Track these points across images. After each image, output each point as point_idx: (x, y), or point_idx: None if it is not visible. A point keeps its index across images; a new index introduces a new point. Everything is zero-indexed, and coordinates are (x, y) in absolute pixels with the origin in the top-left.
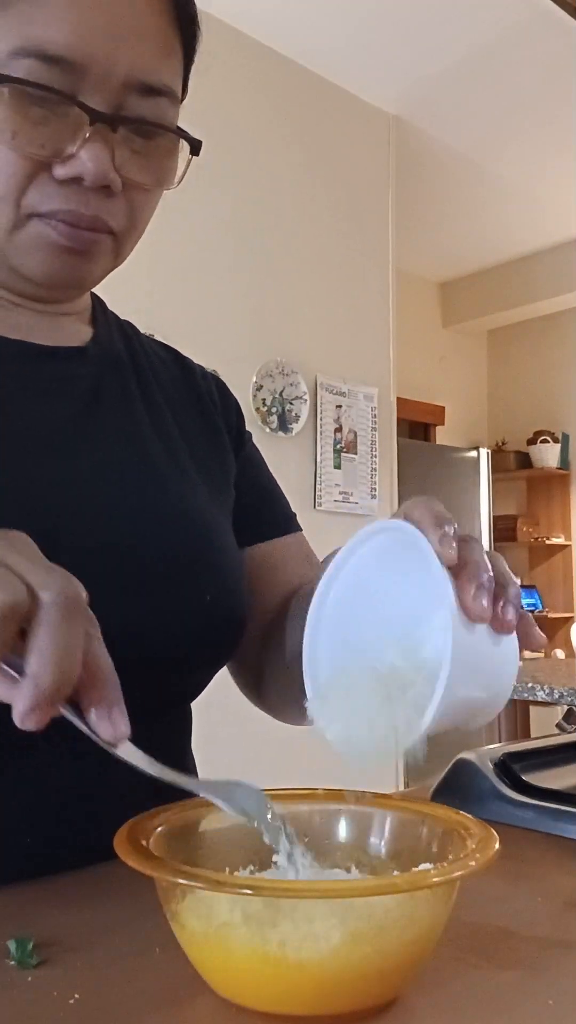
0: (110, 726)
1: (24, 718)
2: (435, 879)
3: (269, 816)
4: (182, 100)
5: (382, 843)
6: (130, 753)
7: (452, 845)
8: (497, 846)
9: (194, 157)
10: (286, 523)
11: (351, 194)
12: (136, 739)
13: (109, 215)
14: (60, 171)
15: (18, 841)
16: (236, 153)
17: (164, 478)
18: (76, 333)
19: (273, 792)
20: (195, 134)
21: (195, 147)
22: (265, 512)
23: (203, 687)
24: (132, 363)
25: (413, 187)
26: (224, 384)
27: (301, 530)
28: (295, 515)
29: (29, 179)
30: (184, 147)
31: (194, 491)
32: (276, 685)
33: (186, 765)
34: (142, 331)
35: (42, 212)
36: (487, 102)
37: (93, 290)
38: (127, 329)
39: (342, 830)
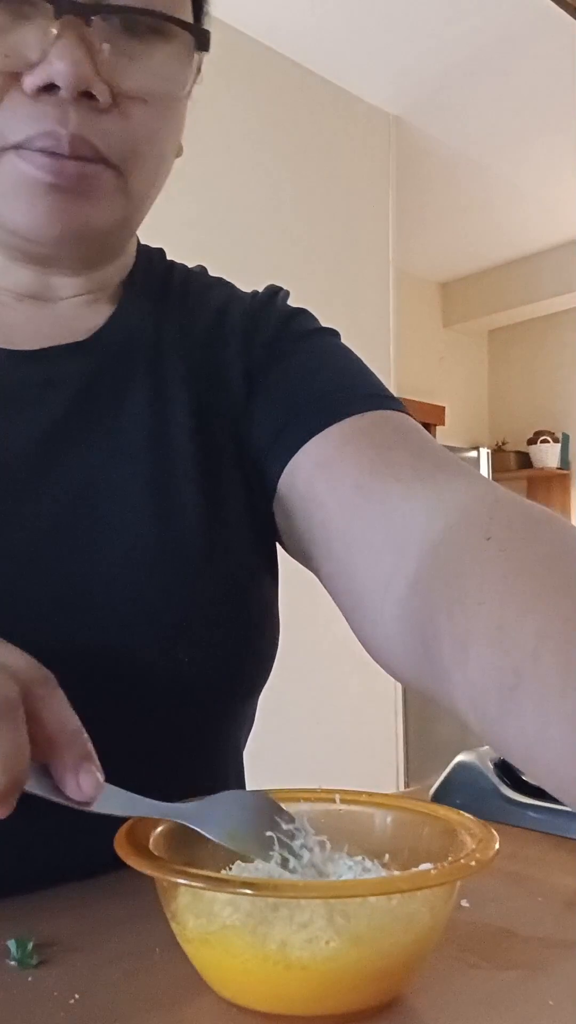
0: (78, 788)
1: None
2: (435, 880)
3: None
4: (198, 18)
5: (382, 843)
6: (107, 804)
7: (452, 845)
8: (497, 846)
9: (204, 54)
10: (366, 400)
11: (351, 194)
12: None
13: (99, 136)
14: (28, 81)
15: (17, 849)
16: (236, 152)
17: (149, 506)
18: (79, 323)
19: (269, 792)
20: (194, 134)
21: (202, 41)
22: (326, 397)
23: (239, 718)
24: (154, 339)
25: (413, 187)
26: (269, 300)
27: (403, 410)
28: (390, 396)
29: None
30: (189, 44)
31: (183, 516)
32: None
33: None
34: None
35: (17, 141)
36: (487, 102)
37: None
38: (169, 283)
39: (342, 830)
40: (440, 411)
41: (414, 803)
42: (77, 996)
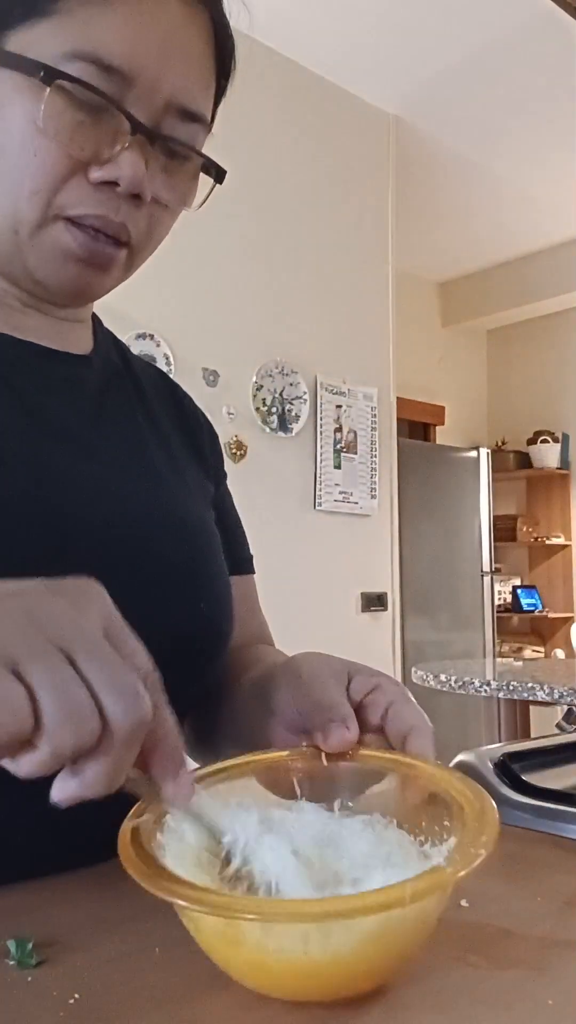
0: (176, 791)
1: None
2: (437, 884)
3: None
4: (209, 131)
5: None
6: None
7: (452, 818)
8: (496, 834)
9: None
10: (241, 563)
11: (351, 194)
12: None
13: (132, 225)
14: (96, 174)
15: (17, 840)
16: (236, 153)
17: (166, 486)
18: (79, 341)
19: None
20: None
21: (220, 175)
22: (228, 547)
23: (183, 695)
24: (129, 376)
25: (413, 187)
26: (209, 421)
27: (254, 573)
28: (252, 558)
29: (65, 178)
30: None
31: (194, 501)
32: (200, 718)
33: None
34: (137, 334)
35: (71, 215)
36: (487, 102)
37: (101, 311)
38: (121, 345)
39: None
40: (439, 411)
41: (434, 767)
42: (77, 996)
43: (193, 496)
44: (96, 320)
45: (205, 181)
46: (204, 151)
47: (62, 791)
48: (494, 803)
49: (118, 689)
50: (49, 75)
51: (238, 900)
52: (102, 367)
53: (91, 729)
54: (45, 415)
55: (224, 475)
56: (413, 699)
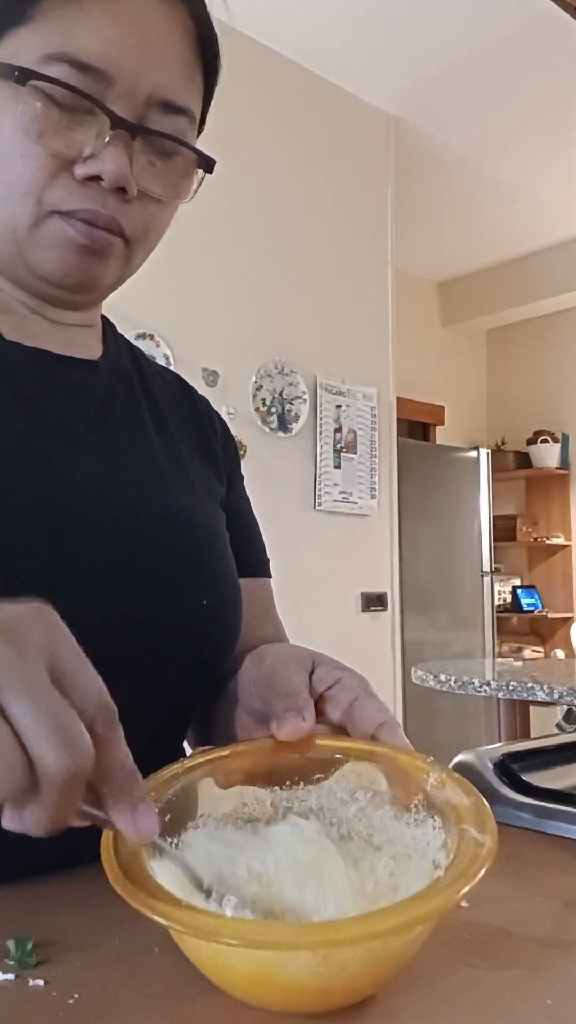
0: (133, 827)
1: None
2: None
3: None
4: (199, 131)
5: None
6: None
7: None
8: (493, 842)
9: (207, 175)
10: (256, 566)
11: (351, 194)
12: (126, 735)
13: (124, 219)
14: (81, 170)
15: (17, 840)
16: (236, 153)
17: (171, 485)
18: (88, 347)
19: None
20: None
21: (209, 166)
22: (241, 549)
23: (191, 689)
24: (140, 381)
25: (413, 187)
26: (226, 424)
27: (270, 577)
28: (268, 561)
29: (52, 176)
30: (197, 166)
31: (200, 501)
32: (206, 723)
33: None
34: (133, 334)
35: (62, 210)
36: (487, 102)
37: (104, 313)
38: (136, 351)
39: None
40: (439, 411)
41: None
42: (77, 996)
43: (199, 496)
44: (109, 327)
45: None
46: (203, 149)
47: (8, 823)
48: (487, 802)
49: (51, 735)
50: (23, 76)
51: (225, 923)
52: (110, 372)
53: (18, 778)
54: (47, 416)
55: (240, 477)
56: (376, 693)
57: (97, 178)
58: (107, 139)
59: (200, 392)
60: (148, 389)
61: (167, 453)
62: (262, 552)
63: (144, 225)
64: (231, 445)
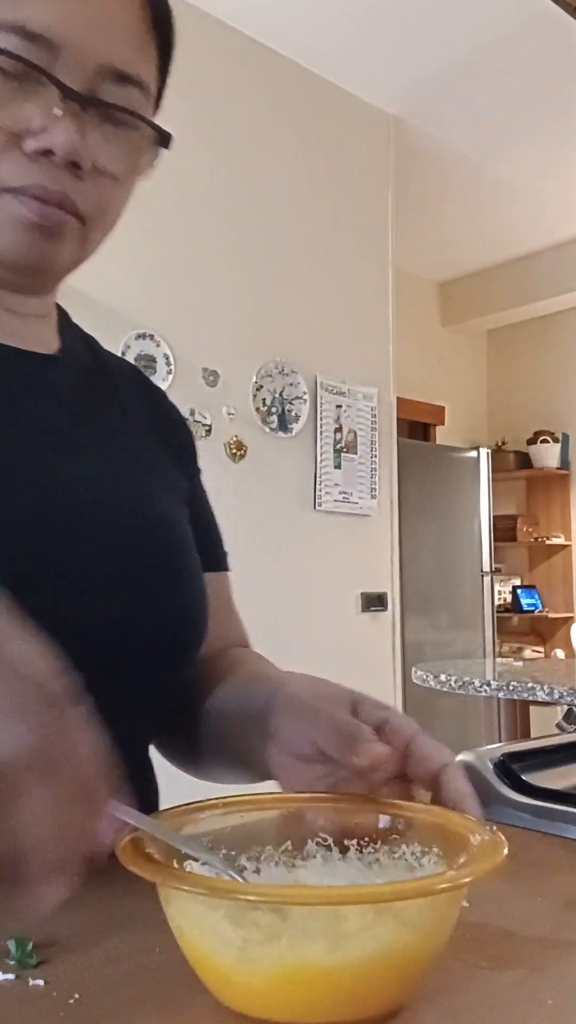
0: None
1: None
2: (442, 885)
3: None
4: (156, 109)
5: (391, 848)
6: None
7: (456, 846)
8: (506, 851)
9: (164, 150)
10: (217, 560)
11: (351, 194)
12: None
13: (77, 196)
14: (30, 144)
15: None
16: (236, 153)
17: (139, 484)
18: (44, 339)
19: (278, 796)
20: (195, 134)
21: (165, 140)
22: (203, 543)
23: (163, 691)
24: (101, 376)
25: (413, 187)
26: (182, 415)
27: (229, 571)
28: (227, 554)
29: (2, 151)
30: (153, 137)
31: (168, 499)
32: (183, 728)
33: (143, 768)
34: (133, 334)
35: (11, 187)
36: (487, 102)
37: (103, 314)
38: (91, 342)
39: (349, 834)
40: (439, 411)
41: (424, 809)
42: (77, 996)
43: (168, 494)
44: (63, 315)
45: (193, 159)
46: (202, 152)
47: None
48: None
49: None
50: None
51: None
52: (72, 366)
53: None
54: (21, 417)
55: (197, 470)
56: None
57: (49, 152)
58: (58, 112)
59: (200, 392)
60: (109, 384)
61: (133, 451)
62: (221, 546)
63: (99, 203)
64: (189, 438)
